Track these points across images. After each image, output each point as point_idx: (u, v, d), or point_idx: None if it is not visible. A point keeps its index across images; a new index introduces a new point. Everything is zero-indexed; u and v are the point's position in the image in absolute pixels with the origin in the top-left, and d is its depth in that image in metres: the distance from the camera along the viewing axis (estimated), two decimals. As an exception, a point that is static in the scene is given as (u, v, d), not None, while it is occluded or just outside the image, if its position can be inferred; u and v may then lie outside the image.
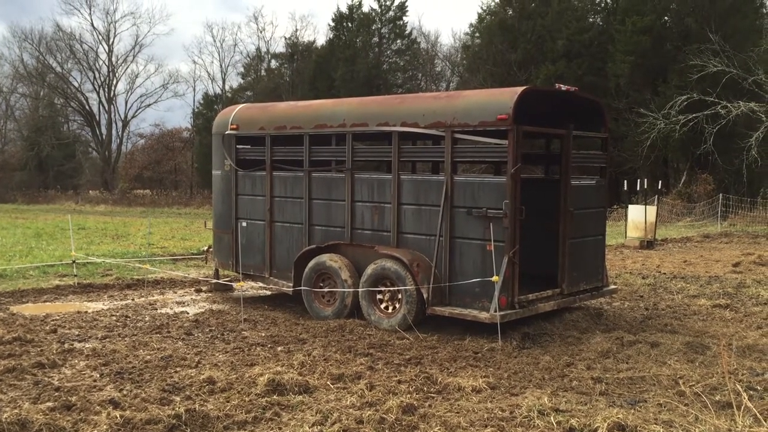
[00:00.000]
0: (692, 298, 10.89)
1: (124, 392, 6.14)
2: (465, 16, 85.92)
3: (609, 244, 20.35)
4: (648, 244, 19.58)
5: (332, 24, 48.54)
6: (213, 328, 8.88)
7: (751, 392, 6.01)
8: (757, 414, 5.31)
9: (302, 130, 9.80)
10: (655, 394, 6.10)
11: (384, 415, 5.35)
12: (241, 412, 5.56)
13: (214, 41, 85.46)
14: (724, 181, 30.60)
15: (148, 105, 62.54)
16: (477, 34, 43.27)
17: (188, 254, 17.10)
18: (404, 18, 48.13)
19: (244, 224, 10.62)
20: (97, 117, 61.42)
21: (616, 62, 33.70)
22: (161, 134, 59.11)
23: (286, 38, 55.23)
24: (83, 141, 64.99)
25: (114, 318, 9.45)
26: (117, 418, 5.13)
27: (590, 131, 9.35)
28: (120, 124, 62.27)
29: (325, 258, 9.38)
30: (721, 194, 27.36)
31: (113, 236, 23.82)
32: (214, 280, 11.72)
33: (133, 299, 11.15)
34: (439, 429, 5.19)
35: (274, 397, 5.91)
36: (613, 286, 9.86)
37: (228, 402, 5.81)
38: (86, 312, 9.86)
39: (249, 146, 10.66)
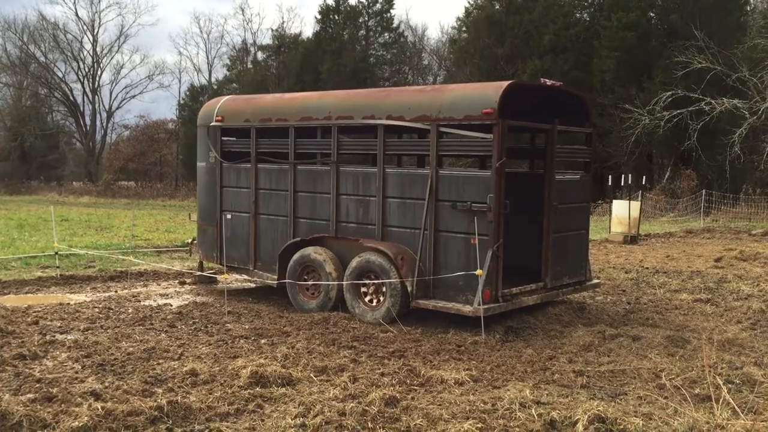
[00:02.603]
0: (674, 292, 10.98)
1: (106, 384, 6.11)
2: (452, 9, 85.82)
3: (593, 239, 20.49)
4: (632, 239, 19.71)
5: (319, 17, 48.40)
6: (196, 320, 8.85)
7: (730, 385, 6.08)
8: (735, 407, 5.37)
9: (287, 123, 9.77)
10: (636, 387, 6.15)
11: (367, 408, 5.36)
12: (224, 404, 5.56)
13: (201, 32, 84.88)
14: (708, 177, 30.84)
15: (133, 96, 62.11)
16: (464, 29, 43.30)
17: (172, 246, 17.02)
18: (391, 11, 48.14)
19: (229, 216, 10.58)
20: (82, 108, 60.96)
21: (601, 58, 33.85)
22: (146, 126, 58.65)
23: (272, 30, 55.04)
24: (67, 132, 64.44)
25: (96, 310, 9.40)
26: (98, 409, 5.11)
27: (575, 126, 9.40)
28: (104, 115, 61.82)
29: (310, 251, 9.37)
30: (704, 190, 27.58)
31: (96, 228, 23.68)
32: (198, 273, 11.70)
33: (116, 291, 11.09)
34: (421, 421, 5.21)
35: (257, 389, 5.91)
36: (596, 281, 9.94)
37: (210, 394, 5.80)
38: (68, 304, 9.80)
39: (234, 138, 10.63)
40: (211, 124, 10.64)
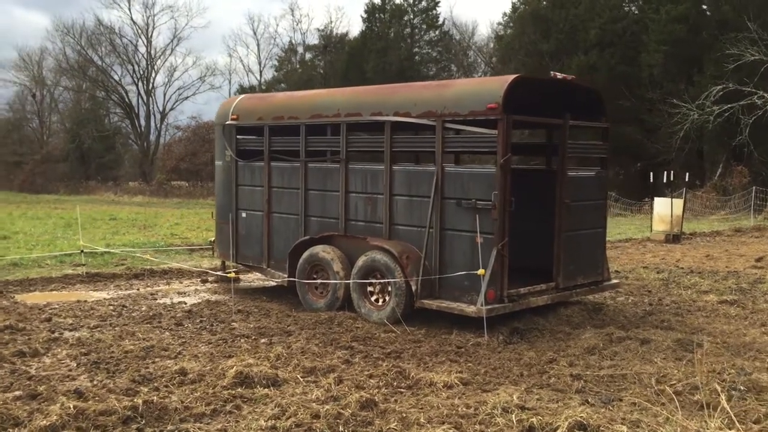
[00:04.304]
0: (702, 293, 10.52)
1: (95, 382, 6.15)
2: (502, 5, 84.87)
3: (634, 238, 19.95)
4: (674, 238, 19.08)
5: (365, 15, 48.43)
6: (204, 318, 8.86)
7: (733, 392, 5.75)
8: (732, 416, 5.06)
9: (298, 121, 9.71)
10: (633, 392, 5.87)
11: (342, 410, 5.23)
12: (201, 405, 5.50)
13: (254, 33, 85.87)
14: (762, 174, 29.68)
15: (186, 98, 63.21)
16: (510, 24, 42.76)
17: (205, 245, 17.19)
18: (437, 8, 47.84)
19: (244, 215, 10.59)
20: (137, 109, 62.39)
21: (650, 52, 32.94)
22: (197, 126, 59.61)
23: (319, 30, 55.32)
24: (123, 133, 66.05)
25: (111, 307, 9.50)
26: (70, 408, 5.11)
27: (589, 121, 9.08)
28: (158, 116, 63.14)
29: (318, 249, 9.29)
30: (754, 187, 26.54)
31: (141, 227, 24.10)
32: (218, 272, 11.74)
33: (138, 289, 11.22)
34: (396, 425, 5.06)
35: (239, 390, 5.84)
36: (615, 281, 9.59)
37: (192, 394, 5.76)
38: (86, 301, 9.94)
39: (248, 137, 10.62)
40: (227, 122, 10.66)
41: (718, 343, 7.36)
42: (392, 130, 8.71)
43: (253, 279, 12.14)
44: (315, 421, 5.10)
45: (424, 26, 48.19)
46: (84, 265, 12.61)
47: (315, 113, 9.55)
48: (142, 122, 62.34)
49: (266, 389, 5.89)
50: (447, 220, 8.18)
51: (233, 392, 5.78)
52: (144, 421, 5.17)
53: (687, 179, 23.19)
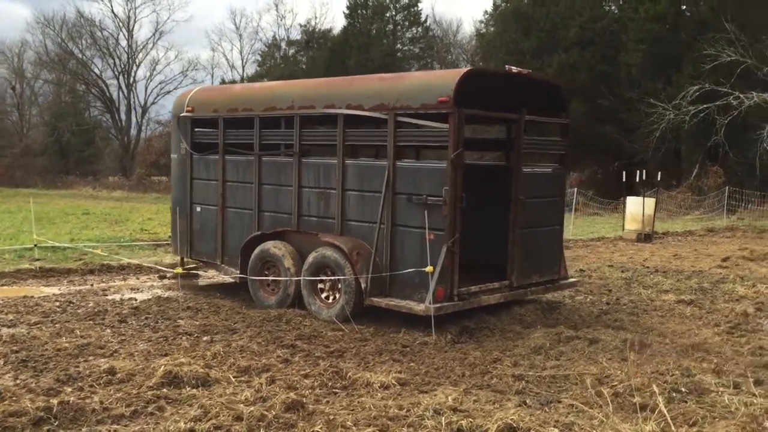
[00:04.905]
0: (661, 293, 10.39)
1: (18, 381, 5.92)
2: (485, 2, 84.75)
3: (606, 237, 19.85)
4: (645, 237, 19.00)
5: (347, 11, 48.14)
6: (151, 315, 8.61)
7: (674, 394, 5.59)
8: (668, 419, 4.92)
9: (253, 113, 9.48)
10: (573, 394, 5.71)
11: (266, 412, 5.03)
12: (122, 406, 5.27)
13: (237, 28, 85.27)
14: (737, 174, 29.68)
15: (168, 92, 62.49)
16: (491, 22, 42.62)
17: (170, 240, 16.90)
18: (418, 5, 47.63)
19: (199, 209, 10.35)
20: (117, 103, 61.74)
21: (628, 51, 32.85)
22: (178, 121, 59.03)
23: (301, 25, 54.92)
24: (104, 127, 65.36)
25: (57, 304, 9.23)
26: (-23, 409, 4.88)
27: (549, 116, 8.91)
28: (139, 110, 62.52)
29: (270, 245, 9.07)
30: (727, 187, 26.54)
31: (112, 221, 23.75)
32: (161, 267, 11.48)
33: (91, 285, 10.97)
34: (321, 428, 4.87)
35: (165, 390, 5.61)
36: (572, 279, 9.44)
37: (115, 394, 5.53)
38: (32, 297, 9.66)
39: (204, 129, 10.38)
40: (182, 114, 10.40)
41: (667, 343, 7.21)
42: (345, 123, 8.50)
43: (214, 275, 11.89)
44: (236, 423, 4.90)
45: (407, 23, 47.99)
46: (38, 260, 12.31)
47: (269, 105, 9.32)
48: (123, 116, 61.75)
49: (194, 389, 5.68)
50: (398, 216, 7.98)
51: (158, 393, 5.55)
52: (57, 423, 4.94)
53: (659, 178, 23.14)
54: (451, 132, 7.51)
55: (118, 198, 45.21)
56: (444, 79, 7.73)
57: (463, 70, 7.65)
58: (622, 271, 12.58)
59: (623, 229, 19.88)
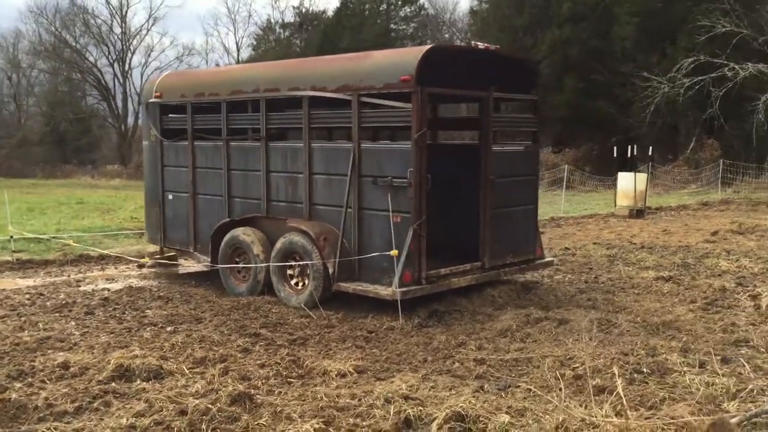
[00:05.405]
0: (642, 269, 10.21)
1: (-32, 377, 5.79)
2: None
3: (599, 213, 19.64)
4: (637, 213, 18.78)
5: (339, -8, 47.69)
6: (119, 306, 8.47)
7: (636, 375, 5.44)
8: (624, 401, 4.76)
9: (219, 97, 9.29)
10: (533, 377, 5.56)
11: (210, 405, 4.89)
12: (67, 402, 5.14)
13: (230, 13, 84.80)
14: (734, 147, 29.37)
15: (163, 78, 62.10)
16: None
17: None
18: (412, -17, 47.11)
19: (170, 197, 10.20)
20: (113, 91, 61.46)
21: (621, 24, 32.41)
22: (175, 108, 58.74)
23: (294, 8, 54.49)
24: (101, 115, 65.13)
25: (27, 296, 9.10)
26: None
27: (518, 93, 8.70)
28: (135, 98, 62.14)
29: (239, 232, 8.92)
30: (722, 160, 26.25)
31: (104, 211, 23.61)
32: (149, 258, 11.35)
33: (68, 276, 10.84)
34: (265, 420, 4.73)
35: (113, 384, 5.49)
36: (548, 259, 9.28)
37: (63, 389, 5.40)
38: (3, 289, 9.53)
39: (173, 115, 10.20)
40: (150, 100, 10.22)
41: (637, 322, 7.05)
42: (311, 105, 8.31)
43: (193, 263, 11.75)
44: (179, 418, 4.76)
45: (400, 2, 47.51)
46: (14, 251, 12.18)
47: (235, 89, 9.13)
48: (120, 104, 61.47)
49: (145, 383, 5.55)
50: (365, 199, 7.82)
51: (107, 387, 5.43)
52: (-4, 421, 4.82)
53: (651, 153, 22.87)
54: (414, 111, 7.31)
55: (116, 186, 45.06)
56: (406, 57, 7.53)
57: (425, 47, 7.44)
58: (608, 249, 12.39)
59: (615, 205, 19.66)
